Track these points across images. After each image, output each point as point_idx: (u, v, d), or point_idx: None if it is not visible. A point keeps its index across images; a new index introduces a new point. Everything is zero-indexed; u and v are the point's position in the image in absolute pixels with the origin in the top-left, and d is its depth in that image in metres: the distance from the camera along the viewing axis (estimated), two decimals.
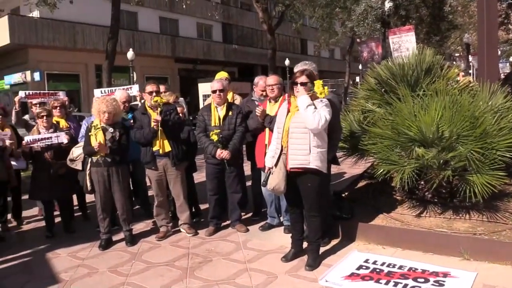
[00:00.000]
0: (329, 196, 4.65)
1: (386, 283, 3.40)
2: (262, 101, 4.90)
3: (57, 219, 5.34)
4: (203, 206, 5.61)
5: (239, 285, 3.56)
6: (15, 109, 5.73)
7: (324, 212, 4.01)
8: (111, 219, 4.81)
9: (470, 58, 27.03)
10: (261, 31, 29.59)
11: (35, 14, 20.06)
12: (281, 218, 4.92)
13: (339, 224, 4.48)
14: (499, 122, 4.06)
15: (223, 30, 32.94)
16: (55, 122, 5.28)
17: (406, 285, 3.36)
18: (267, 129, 4.53)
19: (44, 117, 4.97)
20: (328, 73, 37.19)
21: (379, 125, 4.46)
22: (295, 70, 4.13)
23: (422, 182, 4.57)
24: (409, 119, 4.13)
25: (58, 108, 5.50)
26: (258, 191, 4.98)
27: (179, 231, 4.99)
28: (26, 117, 5.98)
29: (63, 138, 4.95)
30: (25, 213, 5.92)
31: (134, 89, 6.08)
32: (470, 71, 25.28)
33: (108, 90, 6.15)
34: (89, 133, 4.55)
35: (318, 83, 3.64)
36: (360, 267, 3.73)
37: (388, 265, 3.72)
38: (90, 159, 4.60)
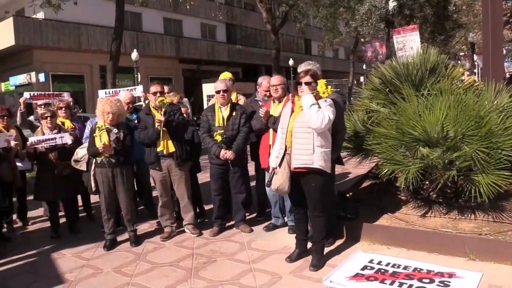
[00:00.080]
0: (334, 196, 4.64)
1: (391, 284, 3.38)
2: (266, 101, 4.89)
3: (62, 220, 5.36)
4: (207, 207, 5.62)
5: (244, 286, 3.55)
6: (20, 110, 5.75)
7: (328, 212, 4.00)
8: (116, 219, 4.82)
9: (475, 57, 26.89)
10: (265, 31, 29.59)
11: (40, 15, 20.15)
12: (285, 219, 4.91)
13: (343, 224, 4.46)
14: (504, 121, 4.03)
15: (227, 30, 32.97)
16: (59, 123, 5.31)
17: (411, 285, 3.34)
18: (271, 130, 4.53)
19: (48, 118, 4.99)
20: (332, 73, 37.13)
21: (384, 125, 4.45)
22: (299, 70, 4.13)
23: (427, 182, 4.55)
24: (414, 118, 4.12)
25: (63, 108, 5.54)
26: (262, 191, 4.98)
27: (183, 231, 5.00)
28: (31, 118, 6.00)
29: (67, 139, 4.97)
30: (30, 214, 5.95)
31: (138, 90, 6.10)
32: (475, 71, 25.16)
33: (112, 91, 6.17)
34: (94, 134, 4.56)
35: (321, 82, 3.63)
36: (364, 268, 3.72)
37: (393, 266, 3.71)
38: (94, 160, 4.62)
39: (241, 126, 4.76)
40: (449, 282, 3.36)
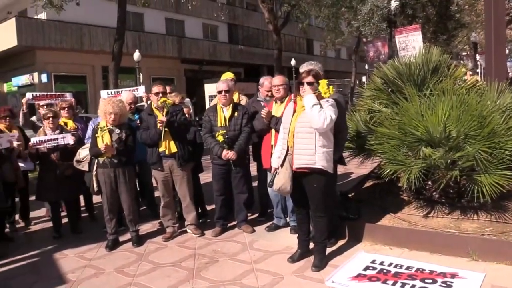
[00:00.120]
0: (336, 196, 4.63)
1: (393, 284, 3.38)
2: (268, 101, 4.89)
3: (64, 220, 5.37)
4: (209, 207, 5.61)
5: (246, 286, 3.55)
6: (23, 110, 5.77)
7: (330, 212, 3.99)
8: (118, 219, 4.83)
9: (478, 57, 26.81)
10: (267, 31, 29.56)
11: (42, 16, 20.20)
12: (288, 219, 4.91)
13: (345, 224, 4.46)
14: (507, 121, 4.03)
15: (229, 30, 32.95)
16: (62, 123, 5.32)
17: (413, 286, 3.33)
18: (273, 130, 4.52)
19: (50, 119, 5.00)
20: (334, 73, 37.08)
21: (386, 125, 4.44)
22: (301, 70, 4.12)
23: (430, 182, 4.54)
24: (416, 118, 4.11)
25: (66, 109, 5.54)
26: (264, 191, 4.97)
27: (185, 231, 5.00)
28: (34, 118, 6.02)
29: (69, 139, 4.97)
30: (32, 214, 5.96)
31: (141, 90, 6.10)
32: (478, 70, 25.07)
33: (114, 92, 6.18)
34: (96, 135, 4.57)
35: (322, 82, 3.63)
36: (367, 268, 3.71)
37: (395, 266, 3.70)
38: (96, 160, 4.62)
39: (243, 127, 4.76)
40: (452, 282, 3.35)
